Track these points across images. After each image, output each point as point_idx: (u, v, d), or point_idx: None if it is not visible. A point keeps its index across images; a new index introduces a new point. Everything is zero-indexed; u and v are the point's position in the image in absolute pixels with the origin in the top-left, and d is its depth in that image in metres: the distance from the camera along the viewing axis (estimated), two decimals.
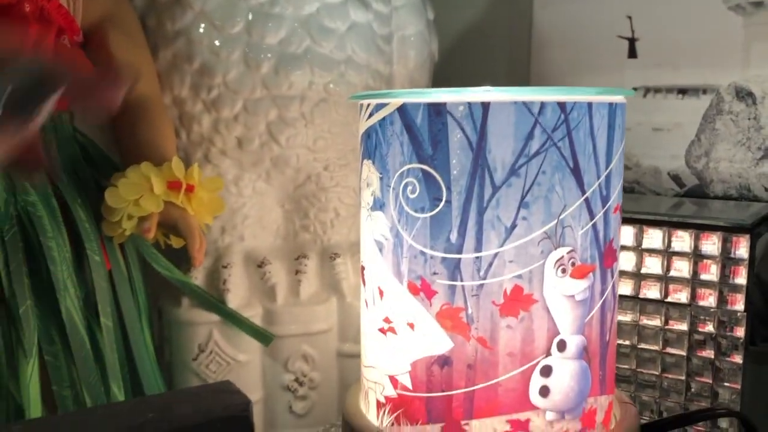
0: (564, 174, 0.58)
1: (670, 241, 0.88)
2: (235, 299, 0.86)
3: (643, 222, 0.90)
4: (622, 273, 0.91)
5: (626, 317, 0.91)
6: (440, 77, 1.02)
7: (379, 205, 0.61)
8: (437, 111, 0.57)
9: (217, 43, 0.80)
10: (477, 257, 0.57)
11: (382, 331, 0.62)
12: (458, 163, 0.57)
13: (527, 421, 0.59)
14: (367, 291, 0.65)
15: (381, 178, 0.61)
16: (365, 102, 0.62)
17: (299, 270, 0.89)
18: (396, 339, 0.61)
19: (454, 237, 0.57)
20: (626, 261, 0.90)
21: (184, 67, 0.81)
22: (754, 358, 0.90)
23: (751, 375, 0.90)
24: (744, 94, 1.05)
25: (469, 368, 0.59)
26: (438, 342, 0.59)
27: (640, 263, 0.90)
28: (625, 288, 0.91)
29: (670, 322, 0.89)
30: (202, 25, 0.79)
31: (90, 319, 0.72)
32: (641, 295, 0.90)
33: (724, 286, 0.85)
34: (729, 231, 0.84)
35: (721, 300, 0.86)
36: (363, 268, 0.66)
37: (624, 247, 0.90)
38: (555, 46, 1.19)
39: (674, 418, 0.79)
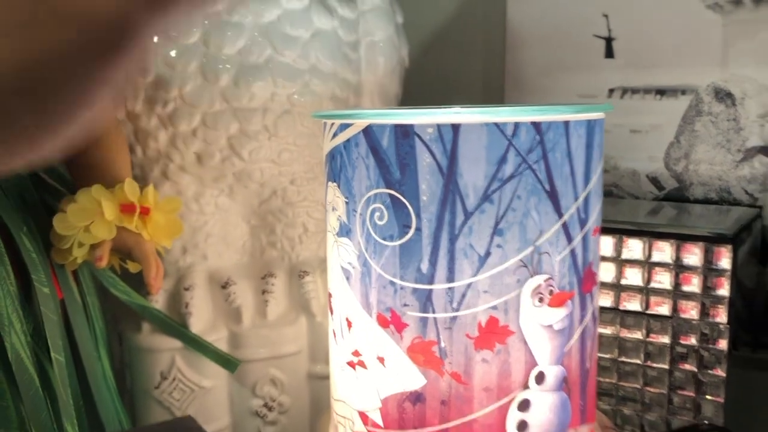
0: (540, 198, 0.54)
1: (650, 252, 0.85)
2: (198, 323, 0.81)
3: (623, 232, 0.87)
4: (602, 285, 0.88)
5: (607, 330, 0.88)
6: (411, 83, 0.98)
7: (345, 230, 0.58)
8: (404, 133, 0.53)
9: (172, 54, 0.75)
10: (449, 288, 0.54)
11: (351, 365, 0.59)
12: (428, 188, 0.53)
13: None
14: (335, 321, 0.61)
15: (347, 203, 0.57)
16: (329, 121, 0.58)
17: (266, 290, 0.85)
18: (366, 374, 0.58)
19: (425, 267, 0.54)
20: (606, 272, 0.87)
21: (137, 81, 0.77)
22: (734, 363, 0.88)
23: (733, 380, 0.88)
24: (723, 95, 1.02)
25: (443, 404, 0.55)
26: (410, 378, 0.56)
27: (620, 274, 0.87)
28: (606, 300, 0.88)
29: (652, 335, 0.86)
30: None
31: (40, 355, 0.67)
32: (621, 307, 0.87)
33: (706, 298, 0.83)
34: (711, 241, 0.82)
35: (704, 312, 0.83)
36: (330, 296, 0.62)
37: (603, 258, 0.87)
38: (530, 46, 1.15)
39: None
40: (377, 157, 0.54)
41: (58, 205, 0.69)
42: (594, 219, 0.59)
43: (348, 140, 0.56)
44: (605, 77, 1.10)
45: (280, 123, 0.80)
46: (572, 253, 0.57)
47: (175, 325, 0.80)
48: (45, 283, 0.67)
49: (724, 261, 0.81)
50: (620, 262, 0.87)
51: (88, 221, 0.67)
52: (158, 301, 0.82)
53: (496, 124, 0.52)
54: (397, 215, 0.54)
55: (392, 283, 0.55)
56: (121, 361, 0.86)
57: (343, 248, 0.58)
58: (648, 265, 0.85)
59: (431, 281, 0.54)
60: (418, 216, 0.53)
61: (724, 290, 0.82)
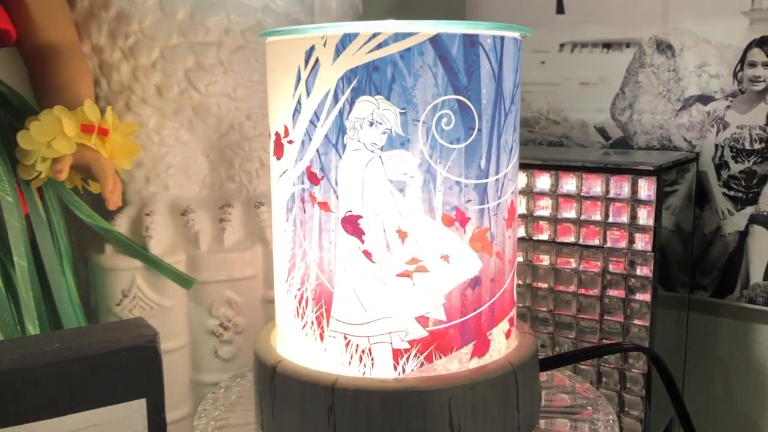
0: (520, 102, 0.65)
1: (582, 186, 0.91)
2: (158, 246, 0.87)
3: (559, 168, 0.92)
4: (540, 218, 0.94)
5: (544, 261, 0.94)
6: None
7: (399, 142, 0.58)
8: (471, 42, 0.58)
9: None
10: (497, 179, 0.61)
11: (405, 275, 0.60)
12: (487, 92, 0.60)
13: (513, 317, 0.66)
14: (374, 241, 0.60)
15: (403, 113, 0.58)
16: (365, 32, 0.57)
17: (223, 218, 0.91)
18: (426, 277, 0.60)
19: (483, 163, 0.60)
20: (544, 207, 0.93)
21: (101, 15, 0.82)
22: (662, 303, 0.94)
23: (662, 318, 0.93)
24: (664, 47, 1.07)
25: (492, 282, 0.63)
26: (471, 265, 0.61)
27: (556, 208, 0.93)
28: (544, 233, 0.94)
29: (584, 262, 0.92)
30: None
31: (4, 260, 0.73)
32: (558, 239, 0.93)
33: (633, 227, 0.89)
34: (637, 174, 0.87)
35: (631, 241, 0.89)
36: (357, 217, 0.60)
37: (541, 193, 0.93)
38: (488, 4, 1.21)
39: (582, 352, 0.82)
40: (446, 65, 0.58)
41: (24, 126, 0.75)
42: None
43: (408, 49, 0.57)
44: (556, 32, 1.16)
45: (234, 58, 0.85)
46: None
47: (135, 246, 0.86)
48: (9, 192, 0.72)
49: (649, 192, 0.87)
50: (556, 197, 0.93)
51: (50, 137, 0.72)
52: (121, 226, 0.88)
53: (514, 39, 0.61)
54: (463, 119, 0.59)
55: (458, 183, 0.59)
56: (88, 286, 0.92)
57: (395, 161, 0.59)
58: (580, 199, 0.91)
59: (487, 176, 0.61)
60: (480, 118, 0.59)
61: (649, 219, 0.88)
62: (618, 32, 1.11)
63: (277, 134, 0.65)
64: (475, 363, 0.63)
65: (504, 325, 0.65)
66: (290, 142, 0.63)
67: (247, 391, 0.78)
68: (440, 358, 0.61)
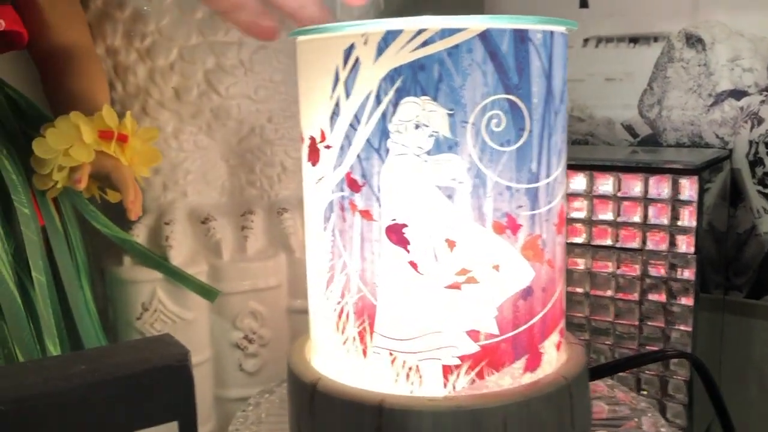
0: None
1: (620, 187, 0.87)
2: (178, 256, 0.83)
3: (594, 168, 0.89)
4: (574, 220, 0.90)
5: (579, 265, 0.91)
6: None
7: (447, 146, 0.55)
8: (521, 38, 0.54)
9: None
10: (547, 183, 0.57)
11: (454, 287, 0.57)
12: (538, 91, 0.56)
13: (563, 328, 0.61)
14: (418, 251, 0.57)
15: (451, 115, 0.55)
16: (409, 29, 0.53)
17: (245, 226, 0.87)
18: (476, 288, 0.56)
19: (534, 166, 0.56)
20: (578, 209, 0.90)
21: (115, 15, 0.78)
22: (704, 305, 0.91)
23: (703, 321, 0.90)
24: (694, 41, 1.04)
25: (544, 291, 0.58)
26: (523, 275, 0.58)
27: (591, 210, 0.89)
28: (579, 236, 0.90)
29: (622, 266, 0.89)
30: None
31: (21, 275, 0.69)
32: (593, 242, 0.90)
33: (674, 229, 0.85)
34: (677, 173, 0.84)
35: (672, 243, 0.86)
36: (402, 226, 0.57)
37: (575, 195, 0.90)
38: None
39: (625, 360, 0.79)
40: (496, 63, 0.54)
41: (37, 134, 0.71)
42: None
43: (456, 46, 0.54)
44: (580, 27, 1.12)
45: (255, 58, 0.81)
46: None
47: (155, 257, 0.82)
48: (25, 204, 0.69)
49: (690, 192, 0.84)
50: (591, 198, 0.90)
51: (68, 145, 0.68)
52: (139, 236, 0.84)
53: (562, 34, 0.57)
54: (514, 120, 0.55)
55: (508, 188, 0.56)
56: (104, 298, 0.88)
57: (443, 165, 0.56)
58: (618, 200, 0.88)
59: (537, 179, 0.57)
60: (531, 118, 0.55)
61: (691, 221, 0.84)
62: (645, 26, 1.08)
63: (312, 139, 0.61)
64: (528, 378, 0.59)
65: (555, 337, 0.62)
66: (327, 147, 0.60)
67: (275, 408, 0.74)
68: (492, 374, 0.58)
